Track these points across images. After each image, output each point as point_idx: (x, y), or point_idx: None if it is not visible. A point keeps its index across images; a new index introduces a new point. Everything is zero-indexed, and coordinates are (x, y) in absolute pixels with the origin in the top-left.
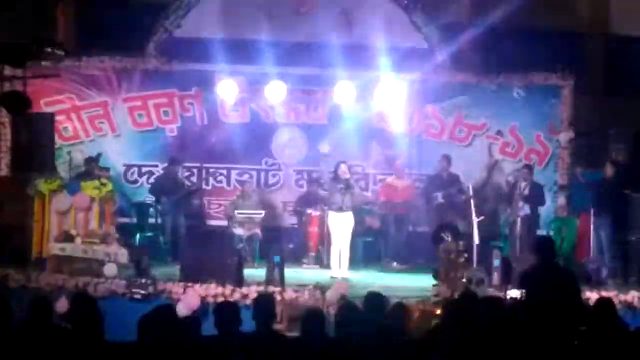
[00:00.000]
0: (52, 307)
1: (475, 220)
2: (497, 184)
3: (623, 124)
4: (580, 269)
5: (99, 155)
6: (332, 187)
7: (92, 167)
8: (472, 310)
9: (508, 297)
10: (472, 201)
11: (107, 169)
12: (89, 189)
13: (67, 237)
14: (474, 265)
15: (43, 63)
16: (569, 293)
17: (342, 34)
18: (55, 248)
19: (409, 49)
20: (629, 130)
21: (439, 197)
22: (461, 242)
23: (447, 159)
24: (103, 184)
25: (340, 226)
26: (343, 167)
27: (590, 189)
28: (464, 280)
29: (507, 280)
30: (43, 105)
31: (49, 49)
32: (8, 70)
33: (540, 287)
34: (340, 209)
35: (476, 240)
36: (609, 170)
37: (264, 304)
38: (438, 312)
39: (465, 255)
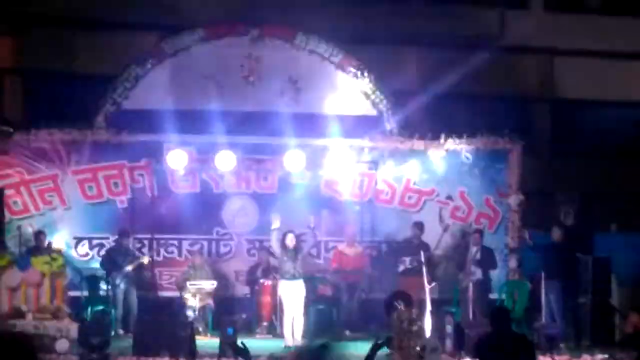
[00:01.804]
0: None
1: (427, 286)
2: (449, 249)
3: (570, 187)
4: (533, 332)
5: (48, 229)
6: (282, 256)
7: (41, 241)
8: None
9: None
10: (424, 267)
11: (53, 246)
12: (40, 264)
13: (18, 313)
14: (428, 332)
15: None
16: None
17: (291, 102)
18: (5, 324)
19: (357, 116)
20: (576, 193)
21: (407, 262)
22: (414, 311)
23: (419, 226)
24: (54, 259)
25: (292, 295)
26: (290, 236)
27: (540, 252)
28: (417, 348)
29: (460, 347)
30: None
31: None
32: None
33: (495, 356)
34: (291, 278)
35: (429, 306)
36: (557, 234)
37: None
38: None
39: (419, 323)
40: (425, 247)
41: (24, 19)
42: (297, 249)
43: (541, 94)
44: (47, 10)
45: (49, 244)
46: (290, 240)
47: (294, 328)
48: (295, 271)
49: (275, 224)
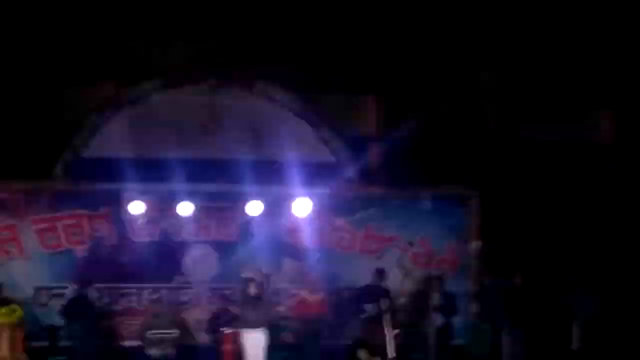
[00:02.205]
0: None
1: (390, 333)
2: (411, 295)
3: (531, 232)
4: None
5: (7, 279)
6: (244, 304)
7: (2, 294)
8: None
9: None
10: (387, 314)
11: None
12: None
13: None
14: None
15: None
16: None
17: (251, 149)
18: None
19: (317, 163)
20: (538, 239)
21: (369, 308)
22: (377, 358)
23: (380, 272)
24: (13, 310)
25: (255, 343)
26: (252, 284)
27: (500, 296)
28: None
29: None
30: None
31: None
32: None
33: None
34: (253, 326)
35: (391, 354)
36: (518, 280)
37: None
38: None
39: None
40: (386, 293)
41: None
42: (258, 297)
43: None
44: (2, 57)
45: (7, 295)
46: (252, 288)
47: None
48: (257, 319)
49: (244, 272)
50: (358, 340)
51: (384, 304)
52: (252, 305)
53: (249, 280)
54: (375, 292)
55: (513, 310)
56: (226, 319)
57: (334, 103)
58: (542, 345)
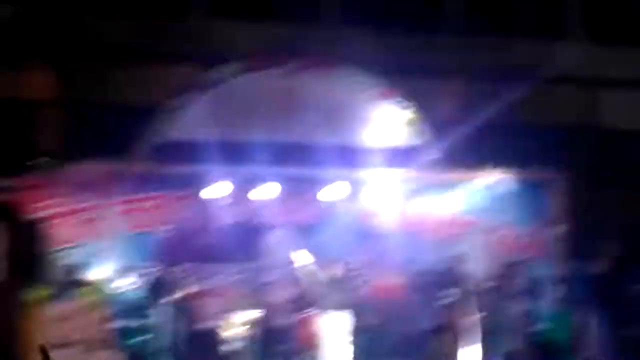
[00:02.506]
0: None
1: (475, 317)
2: (495, 280)
3: (616, 217)
4: None
5: (91, 260)
6: (326, 286)
7: (84, 273)
8: None
9: None
10: (471, 298)
11: (97, 277)
12: (83, 295)
13: (62, 345)
14: None
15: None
16: None
17: (332, 132)
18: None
19: (399, 146)
20: (623, 222)
21: (451, 295)
22: (460, 343)
23: (459, 257)
24: (98, 290)
25: (335, 326)
26: (336, 267)
27: (586, 281)
28: None
29: None
30: (36, 210)
31: (39, 159)
32: None
33: None
34: (334, 309)
35: (477, 338)
36: (603, 264)
37: None
38: None
39: (464, 355)
40: (466, 278)
41: (64, 51)
42: (341, 279)
43: (586, 125)
44: (87, 41)
45: (92, 275)
46: (336, 271)
47: (338, 359)
48: (338, 302)
49: (309, 258)
50: (440, 325)
51: (463, 289)
52: (335, 288)
53: (332, 262)
54: (455, 277)
55: (599, 294)
56: (308, 301)
57: (418, 86)
58: (629, 330)
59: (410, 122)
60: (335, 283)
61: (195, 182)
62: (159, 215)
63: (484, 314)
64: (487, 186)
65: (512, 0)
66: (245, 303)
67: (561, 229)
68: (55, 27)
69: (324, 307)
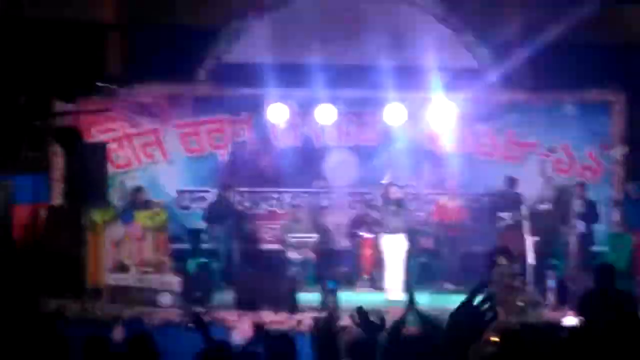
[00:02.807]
0: (106, 346)
1: (530, 240)
2: (552, 203)
3: None
4: (637, 286)
5: (150, 183)
6: (384, 209)
7: (142, 196)
8: (531, 340)
9: (565, 320)
10: (527, 221)
11: (155, 200)
12: (143, 218)
13: (122, 267)
14: (530, 287)
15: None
16: (630, 317)
17: (392, 55)
18: (110, 278)
19: (459, 69)
20: None
21: (507, 218)
22: (516, 266)
23: (512, 180)
24: (156, 213)
25: (394, 248)
26: (394, 189)
27: None
28: (520, 303)
29: (563, 301)
30: (95, 134)
31: (99, 84)
32: (59, 105)
33: (600, 313)
34: (393, 231)
35: (531, 260)
36: None
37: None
38: (494, 338)
39: (521, 278)
40: (520, 199)
41: None
42: (400, 202)
43: None
44: None
45: (150, 198)
46: (393, 194)
47: (395, 282)
48: (397, 225)
49: (386, 178)
50: (497, 248)
51: (521, 211)
52: (393, 211)
53: (390, 185)
54: (510, 198)
55: None
56: (366, 224)
57: (478, 7)
58: None
59: (470, 44)
60: (394, 206)
61: (254, 105)
62: (218, 138)
63: (540, 236)
64: (544, 108)
65: None
66: (304, 226)
67: (620, 151)
68: None
69: (382, 230)
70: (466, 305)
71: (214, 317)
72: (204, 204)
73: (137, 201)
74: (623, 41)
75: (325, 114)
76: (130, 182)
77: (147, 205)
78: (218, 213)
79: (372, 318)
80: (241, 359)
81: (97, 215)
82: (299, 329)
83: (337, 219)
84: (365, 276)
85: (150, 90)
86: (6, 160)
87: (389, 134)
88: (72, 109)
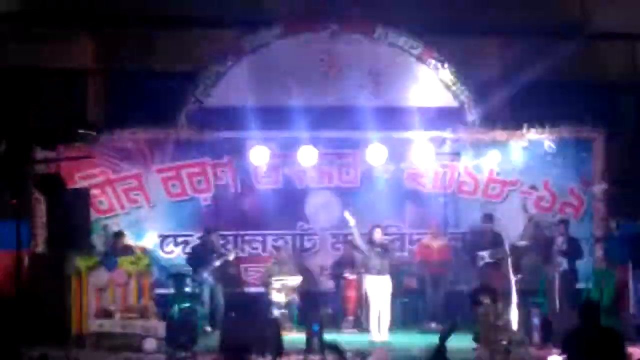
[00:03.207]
0: None
1: (513, 278)
2: (534, 240)
3: None
4: (621, 322)
5: (133, 228)
6: (369, 251)
7: (121, 241)
8: None
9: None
10: (509, 258)
11: (138, 245)
12: (126, 263)
13: (106, 313)
14: (514, 325)
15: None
16: (615, 355)
17: (372, 96)
18: (94, 324)
19: (439, 108)
20: None
21: (486, 256)
22: (500, 305)
23: (490, 217)
24: (140, 258)
25: (378, 290)
26: (378, 230)
27: (626, 240)
28: (504, 342)
29: (547, 339)
30: (78, 180)
31: (80, 130)
32: (41, 153)
33: (584, 351)
34: (378, 273)
35: (515, 299)
36: None
37: None
38: None
39: (505, 317)
40: (498, 237)
41: (103, 19)
42: (384, 243)
43: (626, 81)
44: (126, 9)
45: (134, 244)
46: (378, 235)
47: (380, 322)
48: (382, 267)
49: (352, 221)
50: (481, 287)
51: (498, 249)
52: (377, 252)
53: (374, 227)
54: (494, 237)
55: (639, 253)
56: (349, 265)
57: (456, 46)
58: None
59: (450, 83)
60: (376, 247)
61: (235, 148)
62: (199, 182)
63: (523, 274)
64: (526, 146)
65: None
66: (286, 268)
67: (601, 187)
68: None
69: (367, 272)
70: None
71: None
72: (187, 248)
73: (117, 246)
74: (602, 79)
75: (307, 156)
76: (114, 228)
77: (128, 250)
78: (201, 257)
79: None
80: None
81: (80, 262)
82: None
83: (321, 261)
84: (350, 317)
85: (132, 135)
86: None
87: (370, 175)
88: (54, 156)
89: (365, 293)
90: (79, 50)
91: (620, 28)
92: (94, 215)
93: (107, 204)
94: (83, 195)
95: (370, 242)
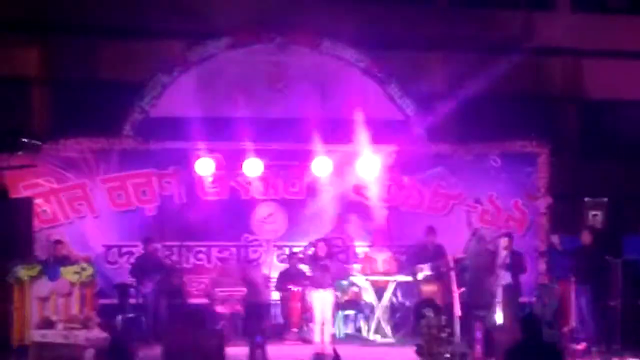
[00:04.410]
0: None
1: (456, 291)
2: (477, 254)
3: (599, 189)
4: (563, 336)
5: (76, 238)
6: (312, 265)
7: (60, 250)
8: None
9: None
10: (452, 272)
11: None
12: (69, 273)
13: (48, 324)
14: (457, 338)
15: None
16: None
17: (318, 108)
18: (36, 335)
19: (384, 121)
20: (605, 195)
21: (426, 269)
22: (443, 317)
23: (432, 230)
24: (83, 269)
25: (322, 302)
26: (321, 245)
27: (569, 255)
28: (447, 355)
29: (489, 353)
30: (21, 189)
31: (24, 140)
32: None
33: None
34: (321, 286)
35: (458, 312)
36: (586, 237)
37: None
38: None
39: (448, 330)
40: (440, 250)
41: (49, 29)
42: (327, 256)
43: (568, 96)
44: (71, 19)
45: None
46: (321, 249)
47: (324, 335)
48: (324, 281)
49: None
50: (424, 300)
51: (446, 262)
52: (321, 266)
53: (318, 241)
54: (438, 250)
55: (581, 268)
56: (294, 277)
57: (401, 60)
58: (610, 302)
59: (396, 97)
60: (322, 261)
61: (181, 159)
62: (144, 192)
63: (467, 287)
64: (470, 160)
65: None
66: (230, 280)
67: (544, 201)
68: (40, 4)
69: (311, 285)
70: None
71: None
72: (131, 259)
73: (56, 255)
74: (545, 93)
75: (252, 167)
76: (57, 238)
77: (67, 259)
78: (145, 267)
79: None
80: None
81: (22, 272)
82: None
83: (265, 272)
84: (294, 329)
85: (77, 144)
86: None
87: (315, 187)
88: None
89: (310, 305)
90: (23, 59)
91: (564, 42)
92: (37, 225)
93: (51, 213)
94: (26, 205)
95: (313, 256)
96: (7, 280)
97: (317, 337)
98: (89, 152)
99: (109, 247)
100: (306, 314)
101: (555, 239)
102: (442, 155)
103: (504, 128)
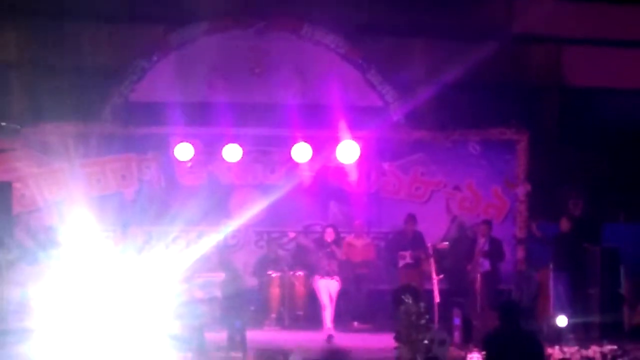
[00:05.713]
0: None
1: (435, 278)
2: (456, 240)
3: (578, 176)
4: (541, 323)
5: (55, 222)
6: (319, 251)
7: (50, 236)
8: None
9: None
10: (432, 259)
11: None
12: (49, 258)
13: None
14: (436, 324)
15: None
16: (533, 356)
17: (298, 93)
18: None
19: (364, 107)
20: (584, 183)
21: (407, 257)
22: (422, 304)
23: (412, 218)
24: (63, 253)
25: (327, 290)
26: (329, 231)
27: (548, 242)
28: (425, 341)
29: (468, 339)
30: (0, 173)
31: (3, 124)
32: None
33: (503, 352)
34: (327, 274)
35: (437, 298)
36: (565, 224)
37: None
38: None
39: (427, 316)
40: (419, 237)
41: (28, 13)
42: (306, 241)
43: (549, 84)
44: (51, 2)
45: (58, 238)
46: (329, 235)
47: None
48: (332, 268)
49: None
50: (403, 286)
51: (425, 249)
52: (328, 253)
53: (326, 227)
54: (417, 237)
55: (560, 255)
56: (273, 262)
57: (382, 46)
58: (588, 290)
59: (376, 83)
60: (327, 245)
61: (160, 144)
62: (124, 177)
63: (445, 274)
64: (449, 147)
65: None
66: (209, 265)
67: (524, 189)
68: None
69: (316, 273)
70: None
71: None
72: (111, 244)
73: (47, 241)
74: (526, 80)
75: (231, 153)
76: (35, 222)
77: (52, 245)
78: (125, 252)
79: None
80: None
81: (1, 256)
82: None
83: (244, 258)
84: (273, 315)
85: (56, 129)
86: None
87: (295, 173)
88: None
89: (289, 291)
90: (1, 43)
91: (545, 30)
92: (16, 209)
93: (30, 198)
94: (5, 189)
95: (320, 242)
96: None
97: (327, 323)
98: (68, 137)
99: (89, 232)
100: (285, 300)
101: (534, 226)
102: (421, 142)
103: (484, 115)
